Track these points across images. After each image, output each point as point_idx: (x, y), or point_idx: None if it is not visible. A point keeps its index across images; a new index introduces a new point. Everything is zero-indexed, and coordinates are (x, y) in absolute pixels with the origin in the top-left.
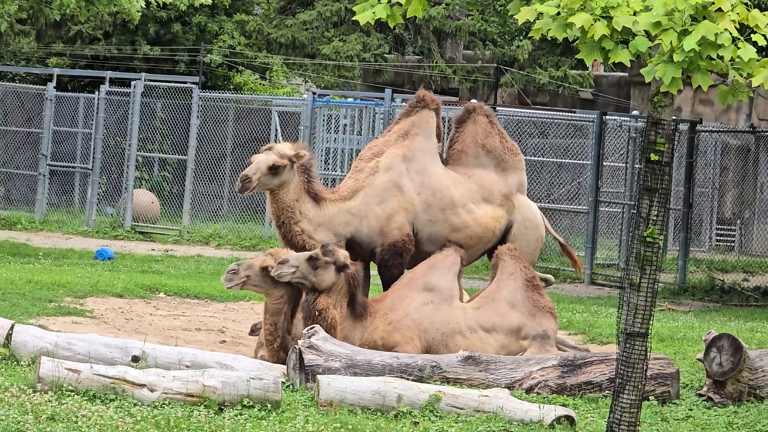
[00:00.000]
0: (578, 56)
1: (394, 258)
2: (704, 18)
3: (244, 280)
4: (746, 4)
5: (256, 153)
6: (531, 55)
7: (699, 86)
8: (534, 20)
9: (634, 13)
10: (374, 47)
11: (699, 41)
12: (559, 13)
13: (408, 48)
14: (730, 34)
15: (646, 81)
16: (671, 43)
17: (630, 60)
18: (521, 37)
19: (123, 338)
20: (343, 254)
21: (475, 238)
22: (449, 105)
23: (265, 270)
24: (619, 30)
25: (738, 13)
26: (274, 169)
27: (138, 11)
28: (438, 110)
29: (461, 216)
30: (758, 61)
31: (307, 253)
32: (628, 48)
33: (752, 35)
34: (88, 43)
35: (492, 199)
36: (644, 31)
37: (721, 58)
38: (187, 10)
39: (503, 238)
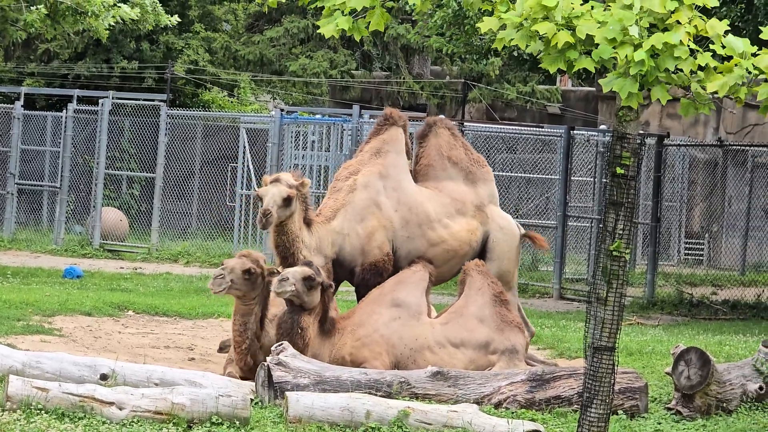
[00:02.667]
0: (542, 66)
1: (374, 278)
2: (665, 30)
3: (229, 284)
4: (700, 16)
5: (225, 171)
6: (499, 71)
7: (667, 100)
8: (497, 30)
9: (598, 23)
10: (341, 63)
11: (651, 53)
12: (522, 24)
13: (375, 64)
14: (688, 46)
15: (604, 91)
16: (626, 56)
17: (595, 67)
18: (489, 56)
19: (92, 356)
20: (325, 274)
21: (452, 252)
22: (417, 120)
23: (246, 273)
24: (583, 38)
25: (696, 26)
26: (288, 201)
27: (106, 29)
28: (405, 127)
29: (437, 231)
30: (715, 68)
31: (300, 271)
32: (591, 56)
33: (710, 45)
34: (63, 61)
35: (465, 211)
36: (606, 38)
37: (681, 70)
38: (155, 29)
39: (482, 251)
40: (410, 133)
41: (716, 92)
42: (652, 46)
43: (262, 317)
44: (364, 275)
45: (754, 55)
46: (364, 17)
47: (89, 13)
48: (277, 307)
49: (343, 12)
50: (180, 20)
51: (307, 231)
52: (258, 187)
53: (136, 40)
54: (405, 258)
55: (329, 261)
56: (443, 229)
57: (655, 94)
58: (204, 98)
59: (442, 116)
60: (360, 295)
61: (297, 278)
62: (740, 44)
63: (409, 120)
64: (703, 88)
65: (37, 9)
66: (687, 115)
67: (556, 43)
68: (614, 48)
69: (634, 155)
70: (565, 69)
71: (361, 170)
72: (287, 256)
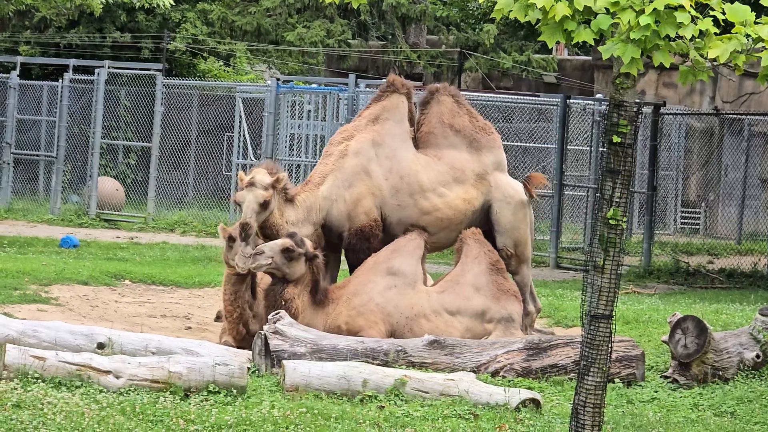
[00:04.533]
0: (541, 38)
1: (361, 242)
2: None
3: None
4: None
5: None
6: (495, 40)
7: (663, 68)
8: (495, 1)
9: None
10: (338, 33)
11: (656, 17)
12: None
13: (372, 33)
14: (689, 12)
15: (604, 58)
16: (629, 21)
17: (594, 39)
18: (483, 22)
19: (88, 325)
20: (310, 244)
21: (446, 220)
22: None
23: (231, 240)
24: (581, 10)
25: None
26: (265, 205)
27: (100, 3)
28: (409, 95)
29: (431, 200)
30: (716, 35)
31: (280, 243)
32: (590, 27)
33: (710, 11)
34: (57, 30)
35: (464, 179)
36: (605, 8)
37: (680, 37)
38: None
39: (488, 222)
40: (415, 103)
41: (715, 59)
42: (654, 9)
43: (253, 286)
44: (351, 240)
45: (756, 22)
46: None
47: None
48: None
49: None
50: None
51: (291, 208)
52: (250, 161)
53: (128, 12)
54: (396, 225)
55: (318, 227)
56: (437, 198)
57: (657, 59)
58: (200, 68)
59: (446, 84)
60: (348, 260)
61: (275, 251)
62: (741, 10)
63: (416, 89)
64: (702, 55)
65: None
66: (685, 82)
67: (554, 14)
68: (615, 14)
69: (631, 123)
70: (564, 41)
71: (355, 136)
72: (267, 236)
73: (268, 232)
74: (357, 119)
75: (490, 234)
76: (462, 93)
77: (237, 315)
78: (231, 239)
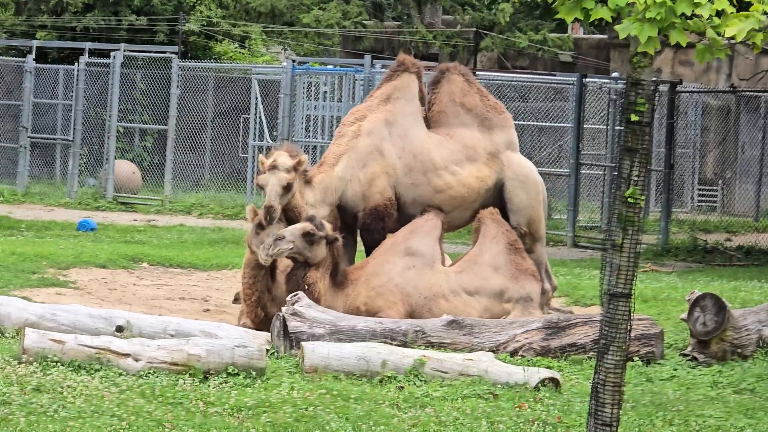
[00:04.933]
0: (558, 16)
1: (376, 222)
2: None
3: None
4: None
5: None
6: (510, 19)
7: (679, 46)
8: None
9: None
10: (354, 14)
11: None
12: None
13: (387, 14)
14: None
15: (621, 38)
16: (645, 1)
17: (611, 17)
18: (498, 1)
19: (107, 308)
20: (330, 227)
21: (459, 198)
22: (430, 70)
23: (259, 227)
24: None
25: None
26: (288, 188)
27: None
28: (419, 74)
29: (444, 178)
30: (732, 13)
31: (300, 228)
32: (607, 5)
33: None
34: (73, 14)
35: (476, 157)
36: None
37: (698, 16)
38: None
39: (501, 201)
40: (425, 83)
41: (732, 38)
42: None
43: (272, 269)
44: (366, 220)
45: None
46: None
47: None
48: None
49: None
50: None
51: (309, 190)
52: (266, 142)
53: None
54: (411, 205)
55: (333, 208)
56: (450, 176)
57: (673, 38)
58: (215, 50)
59: (456, 63)
60: (364, 240)
61: (296, 235)
62: None
63: (426, 69)
64: (719, 33)
65: None
66: (702, 61)
67: None
68: None
69: (649, 102)
70: (581, 18)
71: (368, 116)
72: (288, 219)
73: (290, 215)
74: (369, 99)
75: (503, 213)
76: (478, 73)
77: (255, 298)
78: (260, 226)
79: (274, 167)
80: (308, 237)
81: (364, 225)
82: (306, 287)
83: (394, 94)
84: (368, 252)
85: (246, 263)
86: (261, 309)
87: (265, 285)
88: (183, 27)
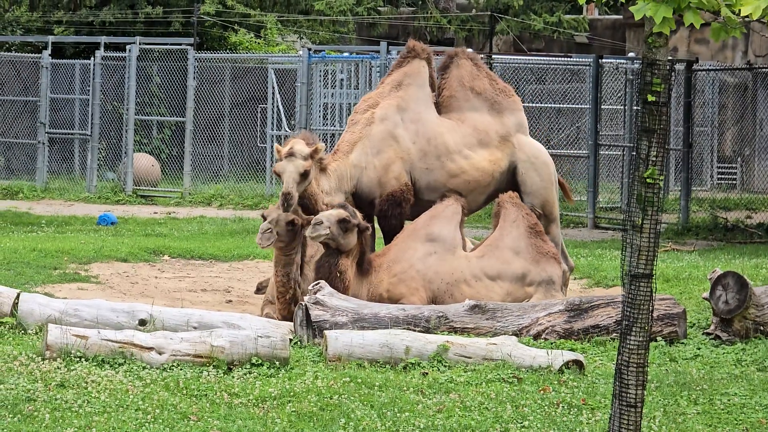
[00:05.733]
0: None
1: (393, 208)
2: None
3: (276, 238)
4: None
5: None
6: (525, 2)
7: (693, 25)
8: None
9: None
10: (367, 1)
11: None
12: None
13: (401, 0)
14: None
15: (636, 19)
16: None
17: None
18: None
19: (129, 302)
20: (361, 216)
21: (473, 182)
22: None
23: (290, 224)
24: None
25: None
26: (305, 175)
27: None
28: (429, 59)
29: (457, 162)
30: None
31: (336, 214)
32: None
33: None
34: (89, 8)
35: (488, 141)
36: None
37: None
38: None
39: (514, 183)
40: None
41: (748, 16)
42: None
43: (302, 264)
44: (383, 206)
45: None
46: None
47: None
48: (311, 247)
49: None
50: None
51: (324, 178)
52: (284, 131)
53: None
54: (426, 190)
55: (349, 195)
56: (463, 160)
57: (688, 19)
58: (231, 41)
59: (463, 48)
60: (381, 226)
61: (332, 221)
62: None
63: (435, 54)
64: (734, 12)
65: None
66: (718, 39)
67: None
68: None
69: (665, 81)
70: None
71: (380, 103)
72: (311, 212)
73: (306, 202)
74: (380, 86)
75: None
76: (494, 56)
77: (290, 296)
78: (291, 223)
79: (291, 155)
80: (343, 224)
81: (382, 211)
82: (338, 275)
83: (405, 80)
84: (386, 238)
85: (276, 262)
86: (294, 304)
87: (296, 281)
88: (197, 17)
